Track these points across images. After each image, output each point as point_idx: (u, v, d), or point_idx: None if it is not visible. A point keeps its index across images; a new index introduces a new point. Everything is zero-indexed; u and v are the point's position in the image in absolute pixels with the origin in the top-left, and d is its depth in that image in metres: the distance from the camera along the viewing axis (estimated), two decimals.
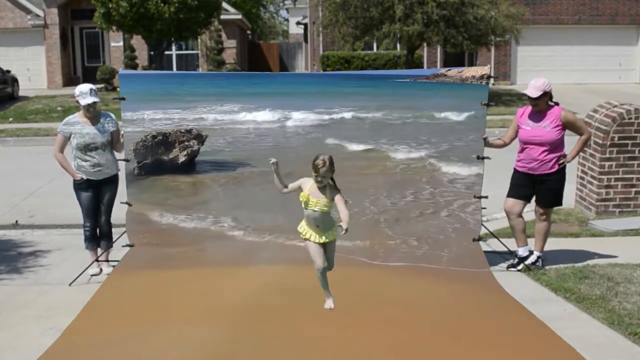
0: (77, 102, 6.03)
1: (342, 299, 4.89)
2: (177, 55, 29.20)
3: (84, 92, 5.97)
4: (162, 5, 20.84)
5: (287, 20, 51.86)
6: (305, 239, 4.86)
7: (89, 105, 5.98)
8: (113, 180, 6.27)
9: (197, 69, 28.61)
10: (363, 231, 6.31)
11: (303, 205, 4.74)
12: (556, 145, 5.98)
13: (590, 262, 6.29)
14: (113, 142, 6.23)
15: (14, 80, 22.95)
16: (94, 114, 6.10)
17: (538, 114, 6.02)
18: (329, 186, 4.67)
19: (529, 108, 6.12)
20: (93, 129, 6.08)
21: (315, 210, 4.69)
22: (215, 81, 7.92)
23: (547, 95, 5.94)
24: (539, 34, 24.73)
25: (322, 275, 4.88)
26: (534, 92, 5.90)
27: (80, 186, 6.15)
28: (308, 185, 4.70)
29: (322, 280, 4.90)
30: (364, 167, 6.70)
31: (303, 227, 4.85)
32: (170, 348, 4.52)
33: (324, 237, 4.80)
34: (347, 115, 6.68)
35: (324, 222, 4.76)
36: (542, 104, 5.96)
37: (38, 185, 10.35)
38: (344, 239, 5.42)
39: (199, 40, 27.44)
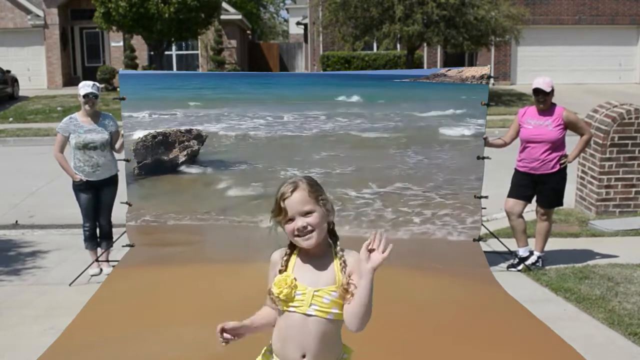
0: (78, 95, 6.05)
1: None
2: (177, 55, 29.22)
3: (86, 85, 6.02)
4: (162, 5, 20.85)
5: (287, 20, 51.86)
6: None
7: (87, 96, 5.97)
8: (113, 181, 6.27)
9: (197, 69, 28.62)
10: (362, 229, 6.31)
11: (280, 306, 2.31)
12: (558, 145, 5.98)
13: (590, 262, 6.29)
14: (113, 143, 6.23)
15: (14, 80, 22.96)
16: (93, 110, 6.09)
17: (540, 113, 6.03)
18: (334, 250, 2.30)
19: (531, 108, 6.14)
20: (92, 128, 6.07)
21: (308, 314, 2.26)
22: (215, 81, 7.92)
23: (553, 92, 5.96)
24: (539, 34, 24.74)
25: None
26: (546, 87, 5.90)
27: (79, 187, 6.14)
28: (282, 260, 2.39)
29: None
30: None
31: None
32: (170, 348, 4.51)
33: None
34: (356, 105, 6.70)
35: (323, 342, 2.27)
36: (549, 101, 5.98)
37: (38, 185, 10.35)
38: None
39: (199, 40, 27.45)
